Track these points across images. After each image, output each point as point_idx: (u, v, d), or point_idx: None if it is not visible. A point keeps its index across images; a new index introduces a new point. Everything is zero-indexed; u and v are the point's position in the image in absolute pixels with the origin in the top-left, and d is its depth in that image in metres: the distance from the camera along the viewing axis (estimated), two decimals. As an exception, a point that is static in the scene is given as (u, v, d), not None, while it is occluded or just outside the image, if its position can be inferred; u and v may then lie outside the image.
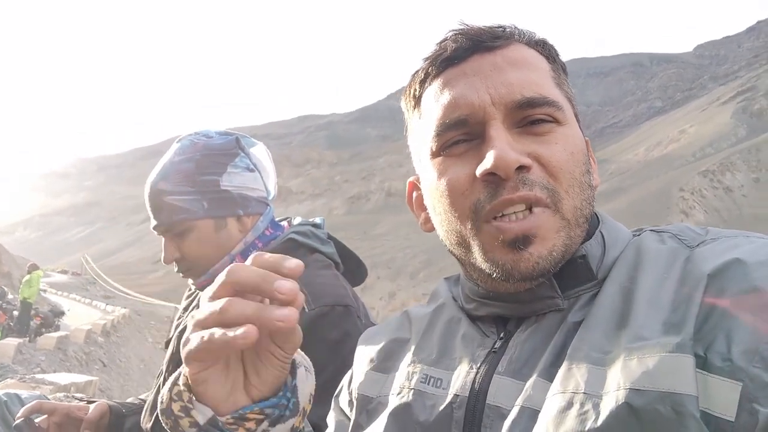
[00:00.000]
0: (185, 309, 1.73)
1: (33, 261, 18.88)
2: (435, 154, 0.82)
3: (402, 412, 0.79)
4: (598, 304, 0.71)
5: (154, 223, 1.49)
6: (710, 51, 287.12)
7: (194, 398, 0.66)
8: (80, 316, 26.58)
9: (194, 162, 1.48)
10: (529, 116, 0.77)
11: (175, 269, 1.51)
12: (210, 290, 0.65)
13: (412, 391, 0.82)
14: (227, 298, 0.62)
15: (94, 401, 1.58)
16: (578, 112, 0.86)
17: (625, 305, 0.69)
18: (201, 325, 0.63)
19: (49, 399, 1.61)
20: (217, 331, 0.60)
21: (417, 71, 0.88)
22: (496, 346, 0.79)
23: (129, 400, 1.75)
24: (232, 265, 0.64)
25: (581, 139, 0.81)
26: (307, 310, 1.31)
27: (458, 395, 0.77)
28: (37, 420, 1.40)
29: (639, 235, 0.81)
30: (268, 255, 0.65)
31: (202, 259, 1.48)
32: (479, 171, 0.74)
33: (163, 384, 1.32)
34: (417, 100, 0.88)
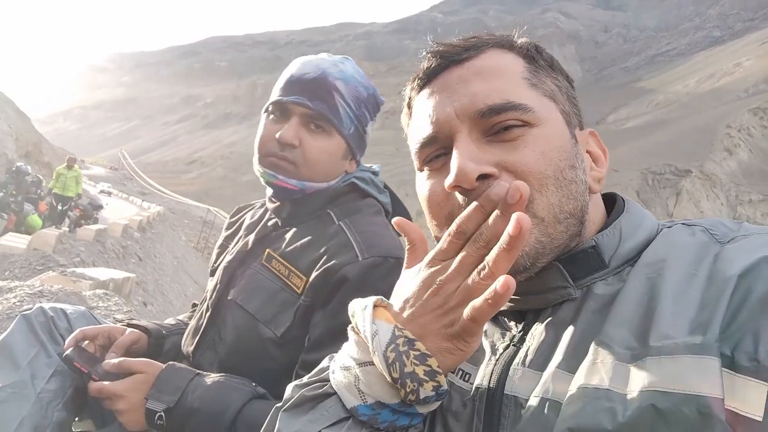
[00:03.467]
0: (227, 237, 1.75)
1: (71, 154, 18.88)
2: (420, 169, 0.87)
3: None
4: (623, 299, 0.71)
5: (301, 101, 1.44)
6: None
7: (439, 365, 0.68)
8: (118, 210, 27.47)
9: (367, 93, 1.53)
10: (496, 123, 0.78)
11: (280, 151, 1.45)
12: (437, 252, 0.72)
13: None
14: (481, 230, 0.68)
15: (134, 324, 1.58)
16: (570, 107, 0.86)
17: (651, 300, 0.68)
18: (469, 265, 0.67)
19: (91, 313, 1.63)
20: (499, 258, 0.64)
21: (404, 90, 0.94)
22: (515, 339, 0.81)
23: (168, 320, 1.76)
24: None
25: (561, 138, 0.81)
26: (360, 258, 1.33)
27: (479, 387, 0.80)
28: (84, 344, 1.44)
29: (670, 227, 0.81)
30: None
31: (312, 163, 1.46)
32: (445, 184, 0.77)
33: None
34: (409, 117, 0.93)
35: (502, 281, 0.61)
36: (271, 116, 1.50)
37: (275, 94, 1.49)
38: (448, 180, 0.76)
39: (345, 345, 0.79)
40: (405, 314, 0.71)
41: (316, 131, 1.46)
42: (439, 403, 0.71)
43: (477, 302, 0.64)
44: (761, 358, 0.58)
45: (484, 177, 0.75)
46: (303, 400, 0.78)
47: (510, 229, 0.62)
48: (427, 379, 0.67)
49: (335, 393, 0.76)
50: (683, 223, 0.80)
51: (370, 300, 0.75)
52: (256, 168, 1.51)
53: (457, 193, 0.78)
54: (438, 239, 0.82)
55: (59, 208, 15.59)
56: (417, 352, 0.67)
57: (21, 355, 1.37)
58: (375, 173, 1.66)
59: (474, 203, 0.70)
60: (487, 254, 0.66)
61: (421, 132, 0.84)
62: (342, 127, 1.47)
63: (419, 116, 0.86)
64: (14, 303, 3.35)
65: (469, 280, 0.67)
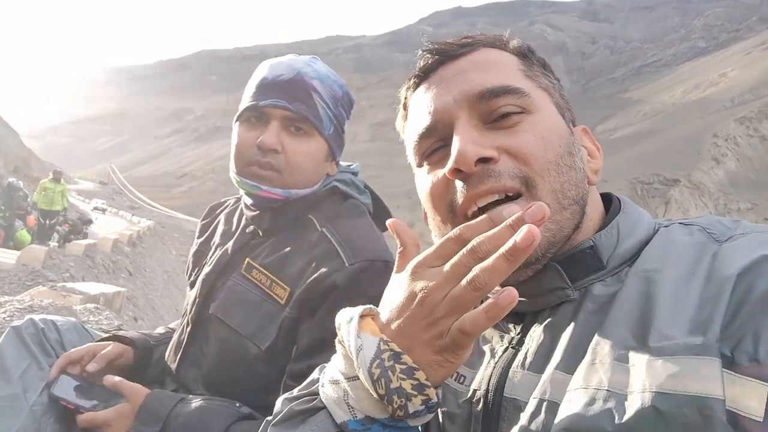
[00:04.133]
0: (202, 243, 1.69)
1: (58, 168, 18.42)
2: (419, 165, 0.87)
3: None
4: (622, 298, 0.71)
5: (280, 103, 1.38)
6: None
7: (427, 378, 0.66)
8: (107, 224, 27.30)
9: (342, 91, 1.48)
10: (495, 109, 0.78)
11: (262, 157, 1.38)
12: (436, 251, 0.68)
13: None
14: (479, 238, 0.64)
15: (120, 335, 1.55)
16: (563, 102, 0.87)
17: (649, 300, 0.68)
18: (458, 275, 0.64)
19: (82, 324, 1.61)
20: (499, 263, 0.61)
21: (400, 93, 0.94)
22: (513, 342, 0.80)
23: (158, 330, 1.72)
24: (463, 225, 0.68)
25: (557, 124, 0.81)
26: (347, 265, 1.30)
27: (477, 390, 0.79)
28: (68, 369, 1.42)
29: (667, 226, 0.80)
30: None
31: (296, 169, 1.40)
32: (446, 170, 0.77)
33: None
34: (404, 119, 0.93)
35: (507, 293, 0.60)
36: (246, 123, 1.43)
37: (247, 100, 1.42)
38: (449, 164, 0.76)
39: (333, 357, 0.77)
40: (393, 325, 0.68)
41: (297, 134, 1.40)
42: (431, 415, 0.69)
43: (473, 314, 0.62)
44: (761, 358, 0.57)
45: (483, 161, 0.75)
46: (292, 414, 0.77)
47: (519, 238, 0.60)
48: (415, 393, 0.65)
49: (324, 407, 0.74)
50: (680, 223, 0.80)
51: (357, 311, 0.73)
52: (235, 179, 1.44)
53: (456, 181, 0.77)
54: (441, 237, 0.81)
55: (46, 223, 15.00)
56: (404, 366, 0.65)
57: (12, 368, 1.34)
58: (354, 173, 1.61)
59: (485, 216, 0.67)
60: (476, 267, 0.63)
61: (420, 124, 0.83)
62: (323, 128, 1.42)
63: (417, 111, 0.86)
64: (4, 318, 3.34)
65: (458, 289, 0.64)
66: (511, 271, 0.61)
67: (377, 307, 0.74)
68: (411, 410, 0.65)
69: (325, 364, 0.82)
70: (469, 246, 0.65)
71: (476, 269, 0.62)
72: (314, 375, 0.86)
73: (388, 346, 0.66)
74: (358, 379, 0.68)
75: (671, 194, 78.05)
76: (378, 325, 0.70)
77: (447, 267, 0.66)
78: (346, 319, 0.73)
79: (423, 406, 0.65)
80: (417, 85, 0.88)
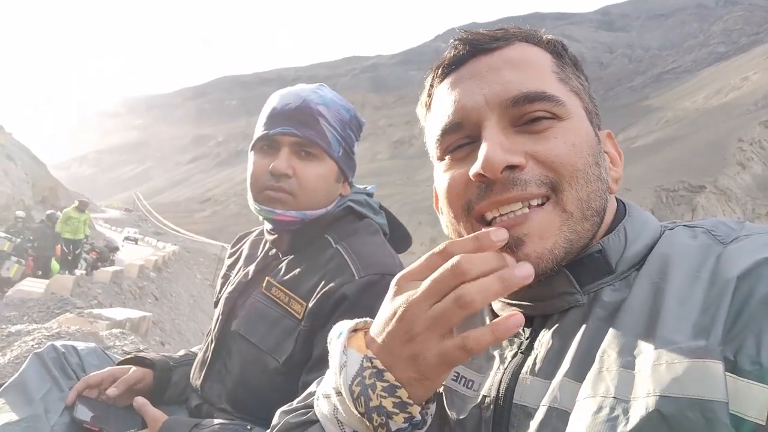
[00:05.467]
0: (229, 267, 1.76)
1: (85, 198, 18.30)
2: (440, 158, 0.85)
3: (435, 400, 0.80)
4: (628, 306, 0.70)
5: (288, 130, 1.44)
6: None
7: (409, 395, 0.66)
8: (133, 251, 27.67)
9: (350, 115, 1.54)
10: (526, 113, 0.76)
11: (275, 182, 1.44)
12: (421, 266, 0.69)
13: (443, 386, 0.83)
14: (459, 256, 0.65)
15: (140, 356, 1.61)
16: (592, 106, 0.85)
17: (654, 305, 0.68)
18: (437, 291, 0.65)
19: (102, 349, 1.67)
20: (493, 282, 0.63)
21: (426, 79, 0.91)
22: (522, 347, 0.80)
23: (179, 352, 1.77)
24: (447, 243, 0.68)
25: (587, 132, 0.80)
26: (357, 278, 1.33)
27: (486, 396, 0.78)
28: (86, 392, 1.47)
29: (672, 228, 0.80)
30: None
31: (309, 190, 1.46)
32: (470, 173, 0.75)
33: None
34: (427, 107, 0.91)
35: (516, 318, 0.62)
36: (259, 152, 1.50)
37: (260, 130, 1.49)
38: (474, 168, 0.74)
39: (327, 372, 0.77)
40: (378, 340, 0.69)
41: (307, 158, 1.46)
42: (423, 430, 0.69)
43: (479, 332, 0.64)
44: (764, 361, 0.58)
45: (510, 167, 0.74)
46: (288, 426, 0.77)
47: (520, 271, 0.62)
48: (396, 411, 0.65)
49: (318, 421, 0.75)
50: (685, 225, 0.80)
51: (348, 325, 0.73)
52: (253, 206, 1.51)
53: (475, 183, 0.76)
54: (455, 234, 0.83)
55: (73, 252, 14.96)
56: (386, 384, 0.65)
57: (34, 391, 1.41)
58: (369, 194, 1.66)
59: (473, 236, 0.69)
60: (464, 284, 0.64)
61: (446, 119, 0.81)
62: (332, 151, 1.48)
63: (443, 103, 0.83)
64: (32, 345, 3.37)
65: (442, 305, 0.64)
66: (502, 295, 0.63)
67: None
68: (393, 428, 0.65)
69: (322, 377, 0.82)
70: (451, 262, 0.65)
71: (466, 287, 0.63)
72: (312, 388, 0.87)
73: (371, 363, 0.67)
74: None
75: (697, 201, 76.73)
76: (366, 340, 0.70)
77: (427, 282, 0.66)
78: (336, 334, 0.73)
79: (406, 424, 0.66)
80: (445, 75, 0.86)
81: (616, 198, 0.88)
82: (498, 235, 0.67)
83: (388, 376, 0.66)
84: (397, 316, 0.66)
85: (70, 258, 14.85)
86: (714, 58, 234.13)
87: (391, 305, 0.69)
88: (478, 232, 0.69)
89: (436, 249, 0.69)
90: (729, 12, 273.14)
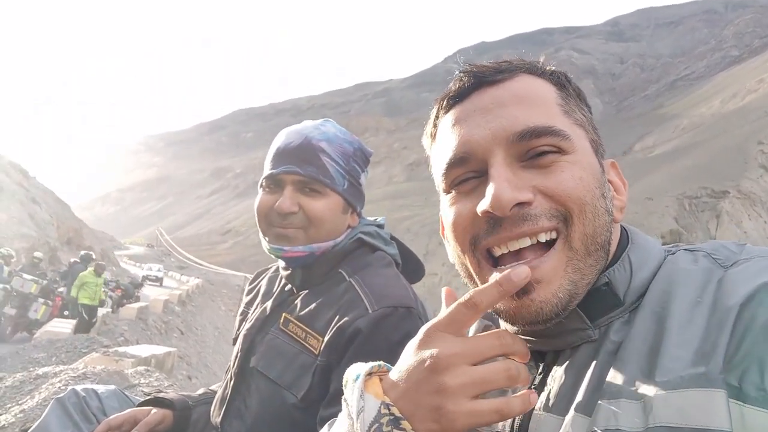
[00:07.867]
0: (247, 303, 1.79)
1: (101, 262, 15.78)
2: (446, 191, 0.84)
3: None
4: (632, 337, 0.71)
5: (291, 169, 1.49)
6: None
7: None
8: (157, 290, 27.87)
9: (353, 148, 1.58)
10: (532, 148, 0.76)
11: (283, 220, 1.49)
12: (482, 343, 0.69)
13: None
14: (503, 336, 0.70)
15: (160, 397, 1.64)
16: (596, 137, 0.85)
17: (657, 334, 0.68)
18: (480, 354, 0.67)
19: (122, 391, 1.72)
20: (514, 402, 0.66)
21: (431, 110, 0.91)
22: (535, 382, 0.80)
23: (198, 391, 1.81)
24: (498, 332, 0.71)
25: (593, 166, 0.80)
26: (370, 311, 1.35)
27: None
28: None
29: (673, 253, 0.80)
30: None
31: (317, 223, 1.50)
32: (478, 210, 0.75)
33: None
34: (433, 137, 0.91)
35: (534, 397, 0.68)
36: (266, 190, 1.54)
37: (267, 169, 1.54)
38: (482, 205, 0.74)
39: (340, 414, 0.76)
40: (399, 388, 0.68)
41: (311, 194, 1.50)
42: None
43: (490, 406, 0.65)
44: None
45: (520, 204, 0.74)
46: None
47: (522, 402, 0.67)
48: None
49: None
50: (686, 249, 0.80)
51: (364, 369, 0.73)
52: (265, 246, 1.55)
53: (483, 218, 0.76)
54: (461, 265, 0.84)
55: (89, 320, 13.15)
56: None
57: None
58: (380, 226, 1.69)
59: (495, 283, 0.69)
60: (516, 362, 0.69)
61: (451, 152, 0.81)
62: (335, 185, 1.51)
63: (448, 136, 0.83)
64: (59, 387, 3.38)
65: (490, 372, 0.66)
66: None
67: (401, 351, 0.73)
68: None
69: (335, 419, 0.82)
70: (497, 333, 0.70)
71: (521, 367, 0.68)
72: (324, 430, 0.87)
73: (389, 410, 0.66)
74: None
75: (722, 206, 75.41)
76: (384, 386, 0.69)
77: (473, 341, 0.69)
78: (353, 377, 0.72)
79: None
80: (450, 107, 0.86)
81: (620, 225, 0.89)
82: (519, 275, 0.68)
83: (405, 424, 0.65)
84: (427, 365, 0.66)
85: (86, 326, 13.25)
86: (728, 62, 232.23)
87: (418, 354, 0.68)
88: (499, 278, 0.68)
89: (462, 299, 0.69)
90: (739, 15, 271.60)
